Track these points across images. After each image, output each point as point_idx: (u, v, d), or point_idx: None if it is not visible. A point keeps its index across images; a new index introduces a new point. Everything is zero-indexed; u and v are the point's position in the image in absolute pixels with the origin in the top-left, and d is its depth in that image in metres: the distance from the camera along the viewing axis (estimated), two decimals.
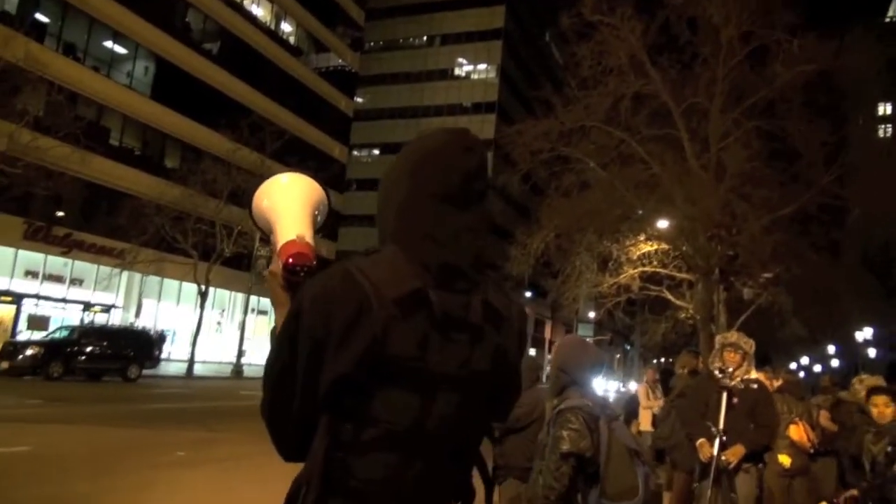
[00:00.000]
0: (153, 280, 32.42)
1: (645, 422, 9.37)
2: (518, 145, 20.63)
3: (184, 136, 33.84)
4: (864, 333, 42.45)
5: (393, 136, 56.30)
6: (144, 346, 22.29)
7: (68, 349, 19.48)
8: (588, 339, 3.80)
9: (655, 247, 21.08)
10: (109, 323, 28.76)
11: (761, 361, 6.95)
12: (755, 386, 5.08)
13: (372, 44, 62.17)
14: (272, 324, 1.37)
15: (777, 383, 6.83)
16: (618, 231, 20.83)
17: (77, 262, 29.43)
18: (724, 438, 4.79)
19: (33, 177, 22.03)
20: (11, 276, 27.34)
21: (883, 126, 67.08)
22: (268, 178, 1.57)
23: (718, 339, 5.50)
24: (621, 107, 19.49)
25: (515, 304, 1.33)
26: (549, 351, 50.36)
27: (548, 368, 3.75)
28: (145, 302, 32.97)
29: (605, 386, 47.52)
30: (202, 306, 28.54)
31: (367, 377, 1.15)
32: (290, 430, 1.20)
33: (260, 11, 40.70)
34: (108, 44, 31.32)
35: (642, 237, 21.16)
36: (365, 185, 55.40)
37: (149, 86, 33.11)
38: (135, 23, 31.12)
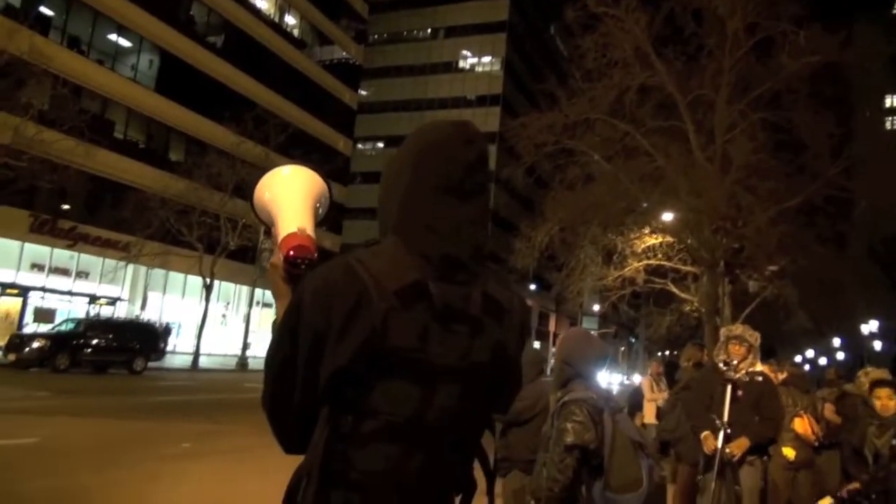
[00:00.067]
0: (158, 273, 32.55)
1: (649, 414, 9.39)
2: (522, 138, 20.57)
3: (188, 129, 33.87)
4: (870, 326, 42.38)
5: (397, 129, 56.23)
6: (150, 338, 22.38)
7: (74, 342, 19.56)
8: (592, 332, 3.79)
9: (660, 239, 21.02)
10: (115, 315, 28.92)
11: (766, 354, 6.94)
12: (760, 378, 5.07)
13: (376, 36, 62.04)
14: (276, 316, 1.37)
15: (782, 376, 6.82)
16: (622, 224, 20.77)
17: (83, 255, 29.54)
18: (729, 431, 4.78)
19: (38, 170, 22.07)
20: (18, 269, 27.46)
21: (890, 118, 66.79)
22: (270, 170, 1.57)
23: (723, 331, 5.49)
24: (626, 99, 19.41)
25: (517, 297, 1.33)
26: (554, 344, 50.36)
27: (552, 361, 3.75)
28: (151, 295, 33.13)
29: (608, 379, 47.53)
30: (207, 299, 28.64)
31: (368, 369, 1.15)
32: (291, 422, 1.21)
33: (264, 4, 40.64)
34: (113, 37, 31.34)
35: (647, 230, 21.09)
36: (369, 178, 55.35)
37: (153, 79, 33.13)
38: (139, 16, 31.12)
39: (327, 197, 1.55)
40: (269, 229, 1.50)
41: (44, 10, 27.95)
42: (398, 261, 1.19)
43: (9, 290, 26.55)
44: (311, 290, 1.17)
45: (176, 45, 33.31)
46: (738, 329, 5.29)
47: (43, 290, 28.18)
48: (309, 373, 1.16)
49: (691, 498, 6.15)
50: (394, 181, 1.30)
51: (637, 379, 29.50)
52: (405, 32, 65.43)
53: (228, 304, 38.34)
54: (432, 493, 1.25)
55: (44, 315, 27.09)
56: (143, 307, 31.89)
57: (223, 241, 28.17)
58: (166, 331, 26.08)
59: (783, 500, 6.16)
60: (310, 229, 1.41)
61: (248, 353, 29.50)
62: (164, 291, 34.27)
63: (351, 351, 1.13)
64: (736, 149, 18.53)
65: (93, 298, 29.96)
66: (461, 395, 1.22)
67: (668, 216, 20.16)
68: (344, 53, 48.39)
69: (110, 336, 20.67)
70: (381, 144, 62.67)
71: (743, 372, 4.99)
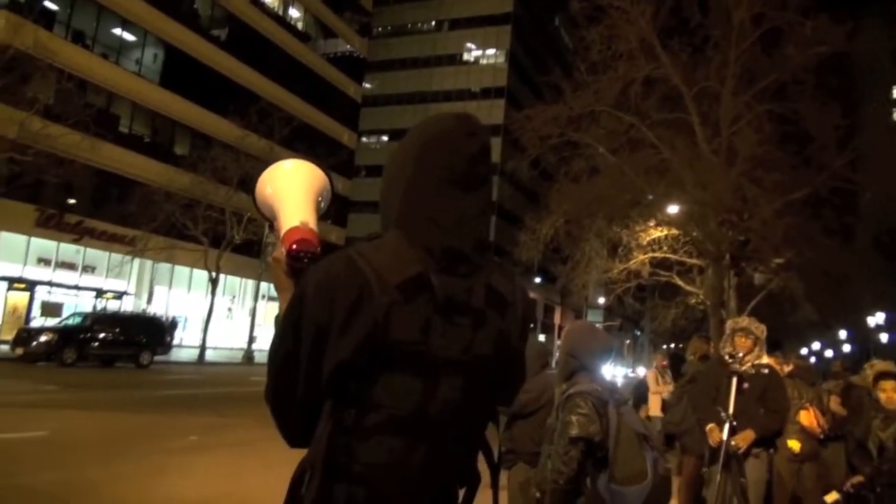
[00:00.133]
0: (164, 267, 32.66)
1: (654, 407, 9.38)
2: (527, 130, 20.50)
3: (193, 122, 33.89)
4: (877, 318, 42.19)
5: (402, 122, 56.13)
6: (156, 332, 22.46)
7: (81, 335, 19.64)
8: (598, 325, 3.79)
9: (665, 232, 20.96)
10: (121, 309, 29.01)
11: (772, 347, 6.91)
12: (766, 371, 5.06)
13: (380, 29, 61.89)
14: (279, 310, 1.37)
15: (788, 368, 6.80)
16: (627, 216, 20.71)
17: (89, 250, 29.65)
18: (734, 423, 4.78)
19: (44, 164, 22.14)
20: (24, 264, 27.59)
21: None
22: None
23: (729, 324, 5.47)
24: (631, 91, 19.32)
25: (520, 288, 1.33)
26: (559, 336, 50.34)
27: (557, 354, 3.75)
28: (157, 289, 33.24)
29: (612, 371, 47.51)
30: (213, 293, 28.72)
31: (370, 362, 1.15)
32: (294, 415, 1.21)
33: None
34: (117, 31, 31.35)
35: (652, 223, 21.03)
36: (374, 172, 55.30)
37: (157, 73, 33.14)
38: (143, 10, 31.12)
39: (329, 190, 1.55)
40: (272, 224, 1.50)
41: (48, 4, 27.93)
42: (400, 254, 1.19)
43: (16, 285, 26.67)
44: (313, 283, 1.17)
45: (180, 39, 33.31)
46: (744, 321, 5.27)
47: (50, 284, 28.30)
48: (312, 366, 1.16)
49: (697, 490, 6.15)
50: (396, 174, 1.30)
51: (642, 372, 29.49)
52: (409, 25, 65.27)
53: (234, 297, 38.46)
54: (436, 485, 1.26)
55: (51, 309, 27.22)
56: (149, 301, 32.01)
57: (228, 234, 28.21)
58: (172, 324, 26.14)
59: (788, 493, 6.16)
60: (312, 223, 1.41)
61: (254, 346, 29.60)
62: (170, 285, 34.38)
63: (353, 345, 1.13)
64: (741, 141, 18.43)
65: (99, 292, 30.08)
66: (464, 387, 1.22)
67: (673, 209, 20.09)
68: (348, 46, 48.30)
69: (117, 330, 20.75)
70: (385, 137, 62.58)
71: (749, 364, 4.97)
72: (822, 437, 6.32)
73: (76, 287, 29.51)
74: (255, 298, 31.60)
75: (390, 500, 1.19)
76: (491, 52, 63.03)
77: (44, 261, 28.54)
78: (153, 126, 33.63)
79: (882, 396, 4.72)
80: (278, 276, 1.38)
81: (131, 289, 32.09)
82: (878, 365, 5.67)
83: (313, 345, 1.15)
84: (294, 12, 43.37)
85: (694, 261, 20.92)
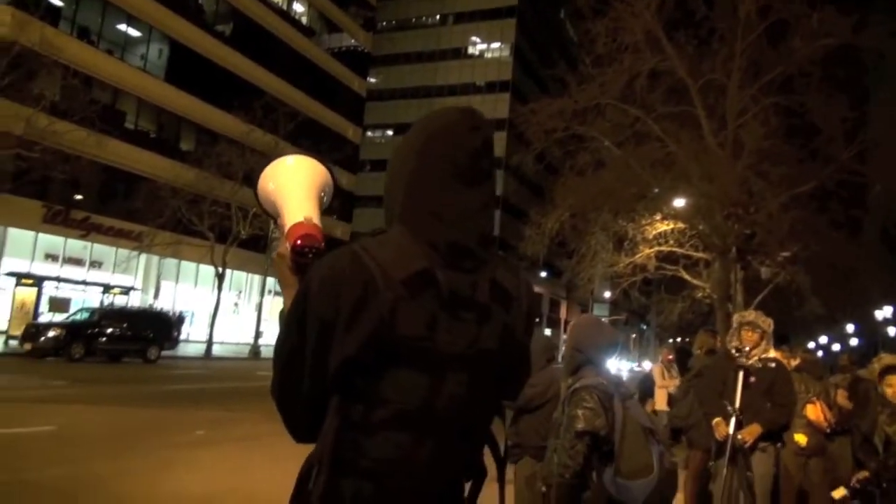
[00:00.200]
0: (171, 262, 32.79)
1: (660, 401, 9.37)
2: (532, 124, 20.46)
3: (198, 118, 33.95)
4: (884, 312, 41.99)
5: (406, 117, 56.05)
6: (163, 327, 22.56)
7: (89, 331, 19.73)
8: (603, 319, 3.79)
9: (671, 226, 20.89)
10: (129, 305, 29.13)
11: (779, 340, 6.88)
12: (773, 365, 5.04)
13: (384, 23, 61.80)
14: (284, 306, 1.37)
15: (795, 362, 6.78)
16: (633, 210, 20.66)
17: (96, 245, 29.80)
18: (741, 417, 4.77)
19: (51, 161, 22.23)
20: (32, 259, 27.74)
21: None
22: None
23: (736, 317, 5.46)
24: (637, 84, 19.24)
25: (525, 283, 1.32)
26: (565, 331, 50.34)
27: (563, 348, 3.75)
28: (163, 284, 33.38)
29: (617, 365, 47.51)
30: (219, 288, 28.81)
31: (376, 358, 1.15)
32: (300, 411, 1.21)
33: None
34: (122, 27, 31.41)
35: (658, 216, 20.97)
36: (379, 166, 55.31)
37: (163, 68, 33.20)
38: (148, 5, 31.17)
39: (331, 185, 1.55)
40: (276, 220, 1.49)
41: (54, 0, 28.01)
42: (405, 249, 1.18)
43: (24, 281, 26.79)
44: (318, 279, 1.17)
45: (185, 35, 33.35)
46: (751, 315, 5.25)
47: (57, 279, 28.43)
48: (317, 362, 1.16)
49: (703, 484, 6.15)
50: (400, 169, 1.30)
51: (648, 366, 29.49)
52: (414, 19, 65.14)
53: (240, 292, 38.58)
54: (443, 480, 1.26)
55: (58, 305, 27.34)
56: (156, 296, 32.14)
57: (234, 230, 28.29)
58: (179, 320, 26.26)
59: (795, 487, 6.15)
60: (316, 218, 1.41)
61: (261, 341, 29.70)
62: (177, 280, 34.51)
63: (359, 340, 1.13)
64: (748, 134, 18.35)
65: (106, 288, 30.20)
66: (470, 382, 1.22)
67: (679, 202, 20.01)
68: (352, 41, 48.25)
69: (124, 325, 20.84)
70: (390, 132, 62.58)
71: (755, 358, 4.96)
72: (828, 431, 6.30)
73: (83, 282, 29.64)
74: (262, 293, 31.69)
75: (397, 494, 1.19)
76: (495, 45, 62.86)
77: (51, 256, 28.70)
78: (159, 122, 33.71)
79: (888, 391, 4.69)
80: (283, 271, 1.38)
81: (138, 284, 32.22)
82: (886, 359, 5.65)
83: (318, 340, 1.15)
84: (298, 7, 43.34)
85: (700, 254, 20.87)
